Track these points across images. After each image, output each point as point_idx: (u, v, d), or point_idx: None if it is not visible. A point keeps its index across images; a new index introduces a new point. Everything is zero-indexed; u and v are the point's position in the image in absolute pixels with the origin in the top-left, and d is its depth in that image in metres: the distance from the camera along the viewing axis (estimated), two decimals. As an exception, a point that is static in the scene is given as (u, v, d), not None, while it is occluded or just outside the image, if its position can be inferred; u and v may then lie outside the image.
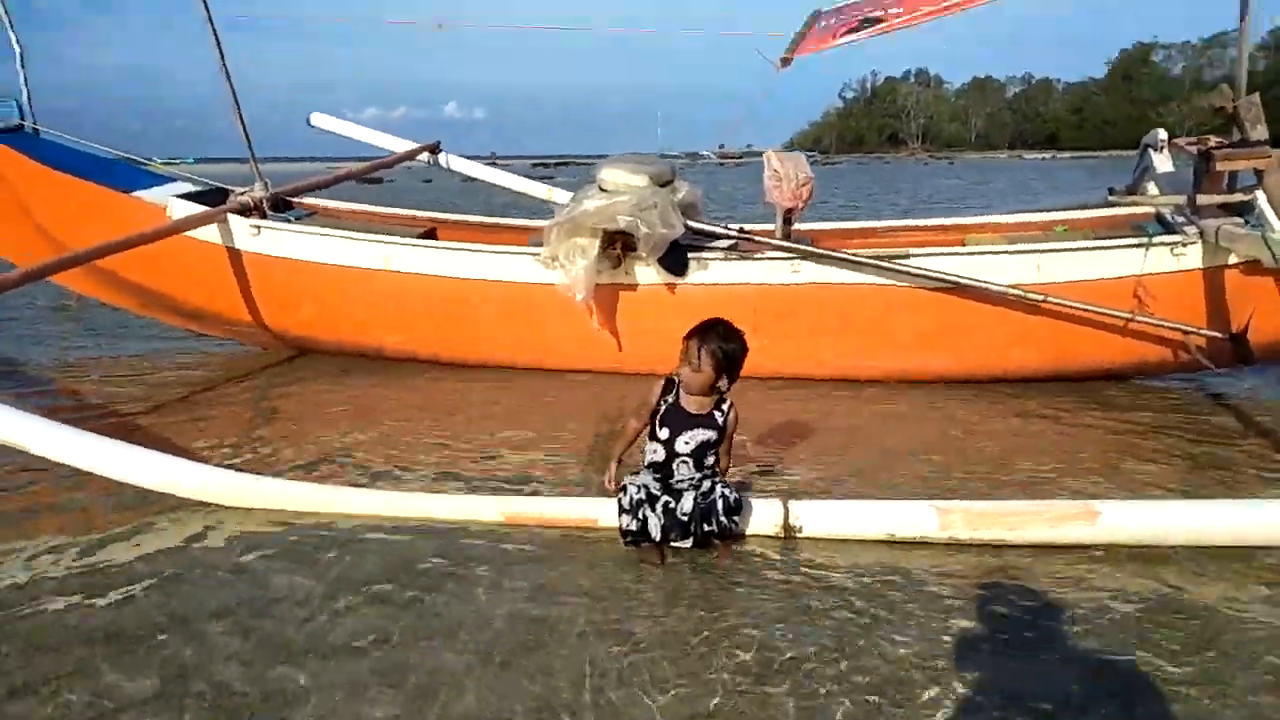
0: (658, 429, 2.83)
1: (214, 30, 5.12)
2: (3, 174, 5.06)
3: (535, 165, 55.48)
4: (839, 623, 2.39)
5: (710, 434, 2.82)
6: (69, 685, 2.11)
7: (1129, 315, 4.26)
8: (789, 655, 2.24)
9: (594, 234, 4.44)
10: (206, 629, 2.36)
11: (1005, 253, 4.48)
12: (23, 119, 5.22)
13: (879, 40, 4.38)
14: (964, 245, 4.80)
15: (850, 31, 4.52)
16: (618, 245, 4.54)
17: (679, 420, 2.81)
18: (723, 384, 2.78)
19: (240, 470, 3.37)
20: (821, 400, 4.53)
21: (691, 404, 2.81)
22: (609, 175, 4.52)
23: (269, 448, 3.90)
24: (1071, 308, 4.29)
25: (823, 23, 4.73)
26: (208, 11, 5.05)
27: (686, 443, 2.81)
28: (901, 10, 4.22)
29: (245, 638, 2.32)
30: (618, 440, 2.93)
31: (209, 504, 3.09)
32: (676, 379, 2.83)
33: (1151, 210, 4.76)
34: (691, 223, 4.64)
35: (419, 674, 2.17)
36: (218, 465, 3.34)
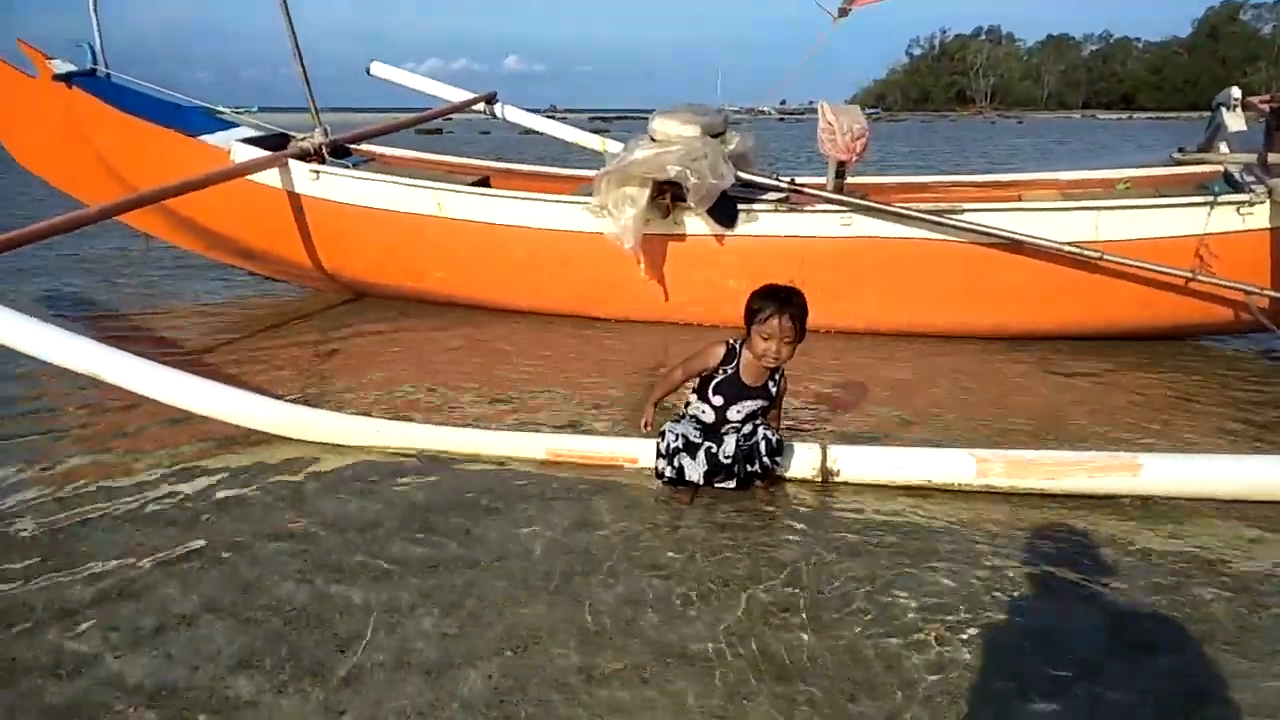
0: (711, 394, 2.84)
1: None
2: (75, 116, 5.25)
3: (593, 119, 55.17)
4: (869, 563, 2.43)
5: (763, 403, 2.86)
6: (141, 597, 2.25)
7: (1190, 274, 4.17)
8: (818, 592, 2.29)
9: (643, 183, 4.45)
10: (267, 550, 2.49)
11: (1062, 209, 4.39)
12: (95, 63, 5.38)
13: None
14: (1020, 201, 4.72)
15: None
16: (667, 195, 4.55)
17: (736, 391, 2.82)
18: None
19: (298, 405, 3.51)
20: (869, 353, 4.53)
21: (750, 375, 2.81)
22: (660, 125, 4.52)
23: (326, 385, 4.05)
24: (1130, 266, 4.21)
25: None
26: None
27: (739, 412, 2.84)
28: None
29: (302, 559, 2.45)
30: (658, 386, 2.97)
31: (269, 435, 3.24)
32: (737, 346, 2.82)
33: (1220, 169, 4.62)
34: (742, 174, 4.62)
35: (462, 596, 2.27)
36: (280, 399, 3.48)
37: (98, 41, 5.39)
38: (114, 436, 3.37)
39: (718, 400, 2.83)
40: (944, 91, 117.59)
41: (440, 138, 33.43)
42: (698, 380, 2.89)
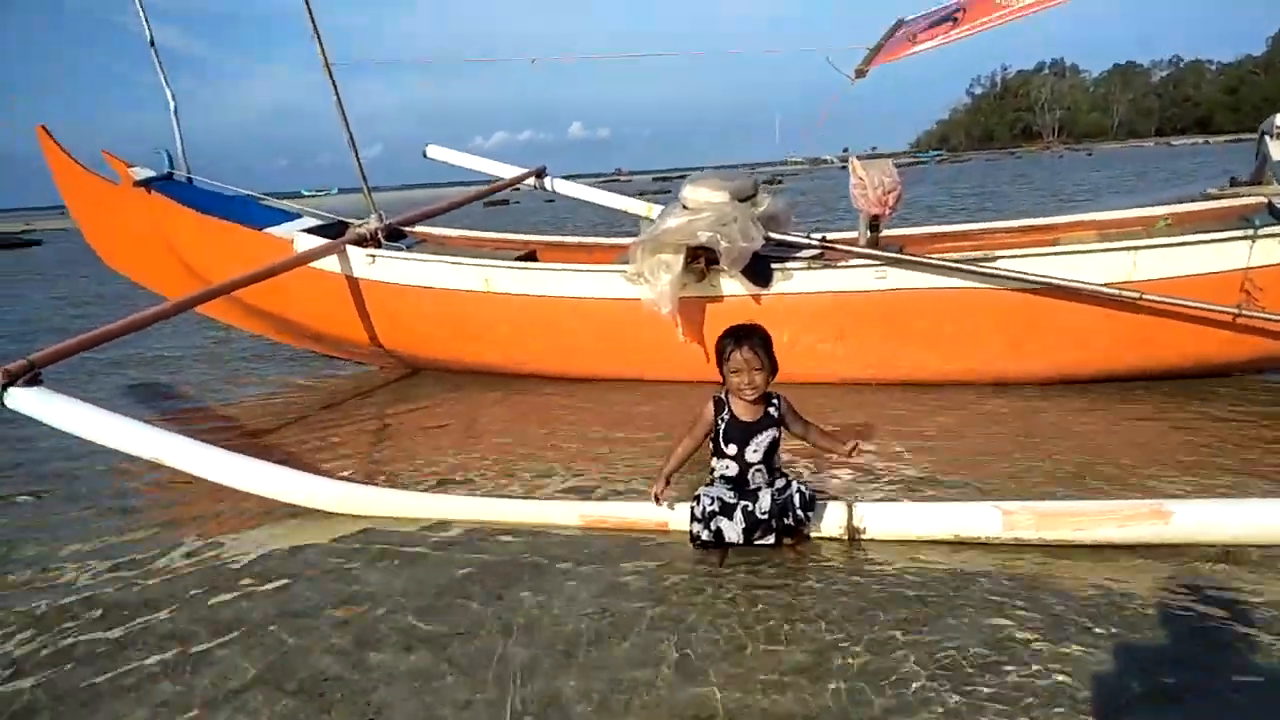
0: (724, 445, 2.97)
1: (331, 77, 5.60)
2: (154, 217, 5.67)
3: (656, 179, 56.23)
4: (896, 621, 2.45)
5: (774, 432, 2.97)
6: (192, 669, 2.41)
7: (1236, 310, 4.08)
8: (842, 651, 2.32)
9: (677, 250, 4.59)
10: (308, 623, 2.64)
11: (1098, 250, 4.36)
12: (172, 167, 5.82)
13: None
14: (1057, 244, 4.70)
15: (931, 27, 4.52)
16: (701, 260, 4.68)
17: (741, 432, 2.94)
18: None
19: (351, 481, 3.70)
20: (908, 404, 4.53)
21: (746, 414, 2.95)
22: (691, 193, 4.66)
23: (381, 459, 4.25)
24: (1172, 304, 4.15)
25: (903, 31, 4.74)
26: (324, 58, 5.53)
27: (755, 451, 2.94)
28: (975, 13, 4.19)
29: (341, 631, 2.58)
30: (670, 459, 3.05)
31: (317, 510, 3.42)
32: (724, 398, 2.99)
33: (1264, 200, 4.54)
34: (773, 234, 4.73)
35: (491, 664, 2.36)
36: (330, 476, 3.66)
37: (178, 144, 5.83)
38: (174, 516, 3.60)
39: (732, 449, 2.95)
40: (1008, 128, 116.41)
41: (508, 209, 34.58)
42: (710, 444, 2.99)
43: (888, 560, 2.82)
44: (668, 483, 3.02)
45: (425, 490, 3.58)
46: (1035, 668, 2.19)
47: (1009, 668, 2.20)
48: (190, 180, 5.84)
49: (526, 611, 2.63)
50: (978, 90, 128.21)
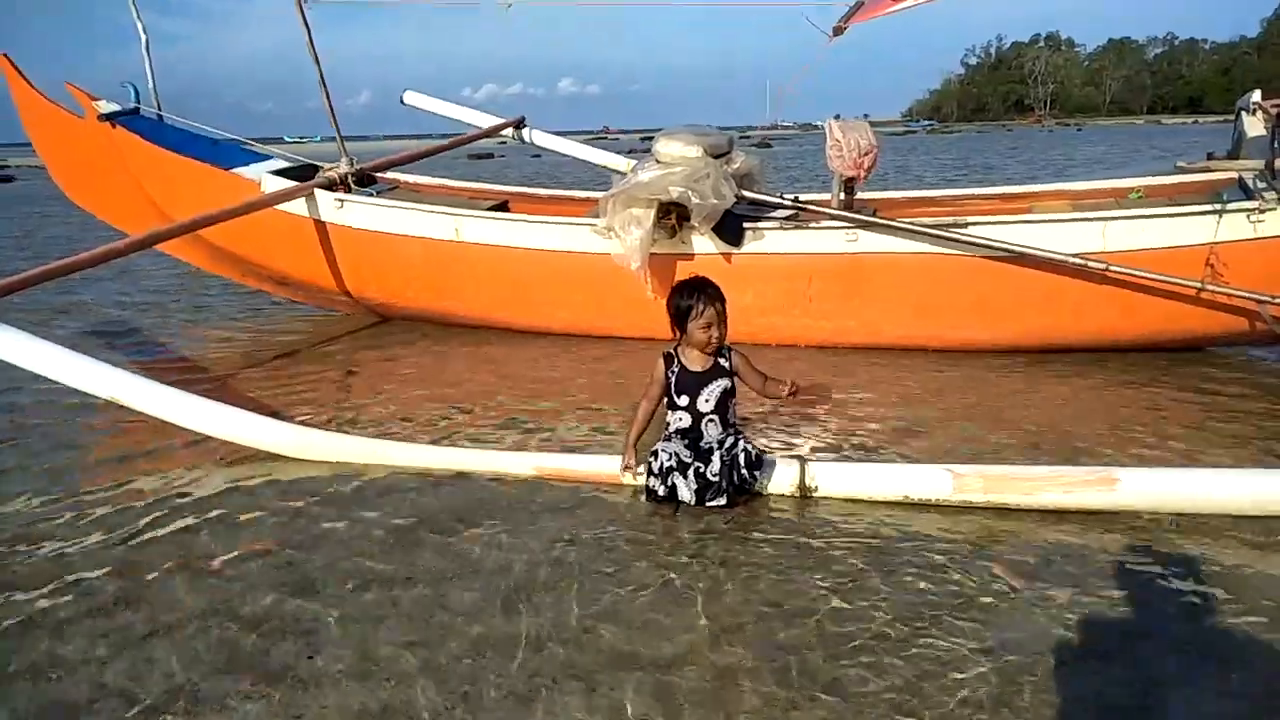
0: (676, 398, 3.00)
1: (304, 16, 5.47)
2: (118, 152, 5.54)
3: (644, 138, 55.67)
4: (833, 576, 2.46)
5: (725, 382, 3.00)
6: (132, 607, 2.40)
7: (1199, 284, 4.09)
8: (776, 604, 2.33)
9: (649, 205, 4.54)
10: (252, 564, 2.62)
11: (1068, 221, 4.36)
12: (138, 102, 5.68)
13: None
14: (1029, 213, 4.69)
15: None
16: (673, 215, 4.63)
17: (693, 382, 2.97)
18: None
19: (308, 425, 3.67)
20: (876, 368, 4.54)
21: (697, 364, 2.98)
22: (664, 148, 4.61)
23: (343, 405, 4.21)
24: (1137, 277, 4.15)
25: (883, -12, 4.67)
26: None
27: (707, 400, 2.96)
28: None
29: (286, 572, 2.57)
30: (632, 425, 3.07)
31: (274, 454, 3.39)
32: (674, 352, 3.02)
33: (1235, 176, 4.54)
34: (746, 193, 4.68)
35: (434, 609, 2.36)
36: (287, 420, 3.64)
37: (150, 81, 5.68)
38: (124, 454, 3.57)
39: (684, 400, 2.98)
40: (1001, 100, 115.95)
41: (492, 161, 34.21)
42: (666, 400, 2.99)
43: (838, 519, 2.83)
44: (636, 450, 3.04)
45: (383, 437, 3.55)
46: (974, 627, 2.21)
47: (945, 626, 2.22)
48: (160, 118, 5.71)
49: (474, 559, 2.63)
50: (972, 61, 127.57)
